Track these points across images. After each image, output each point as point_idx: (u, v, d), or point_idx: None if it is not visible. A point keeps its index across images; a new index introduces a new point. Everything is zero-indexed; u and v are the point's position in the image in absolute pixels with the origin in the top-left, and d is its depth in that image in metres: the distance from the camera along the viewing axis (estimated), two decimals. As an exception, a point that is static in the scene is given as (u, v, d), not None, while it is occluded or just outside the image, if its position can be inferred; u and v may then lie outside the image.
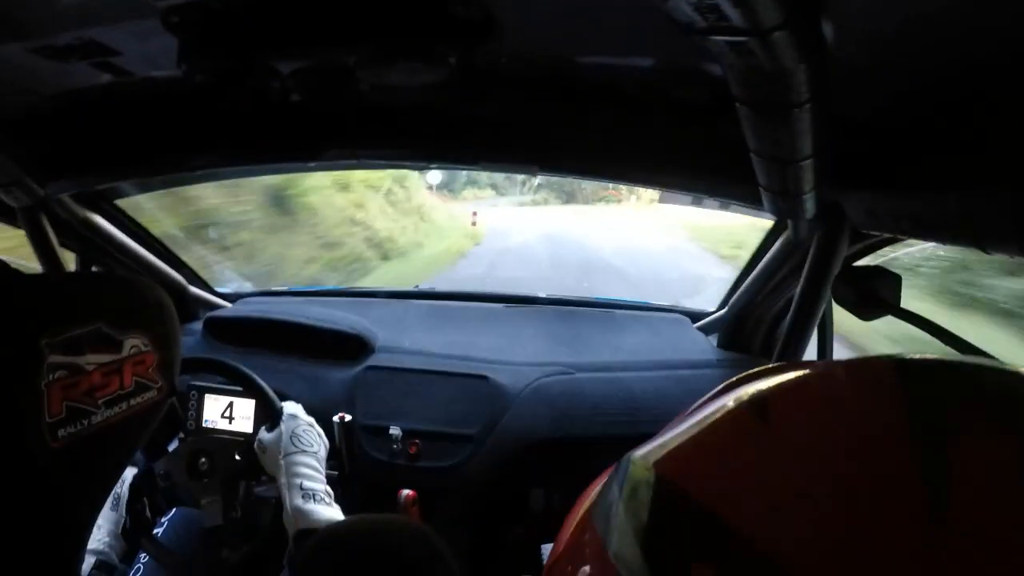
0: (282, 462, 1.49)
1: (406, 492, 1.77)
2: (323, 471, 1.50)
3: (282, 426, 1.56)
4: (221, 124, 1.56)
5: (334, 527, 1.13)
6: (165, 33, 1.11)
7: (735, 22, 0.67)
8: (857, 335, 4.51)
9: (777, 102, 0.87)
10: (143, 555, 1.73)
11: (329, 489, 1.46)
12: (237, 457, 1.70)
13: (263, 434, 1.59)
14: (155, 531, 1.78)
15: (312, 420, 1.61)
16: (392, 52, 1.11)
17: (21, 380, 0.63)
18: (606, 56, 1.26)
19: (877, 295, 1.03)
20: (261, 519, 1.76)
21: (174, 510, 1.87)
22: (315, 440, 1.56)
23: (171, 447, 1.75)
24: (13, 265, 0.78)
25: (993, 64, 0.76)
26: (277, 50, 1.15)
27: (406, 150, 1.56)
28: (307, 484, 1.44)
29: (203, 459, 1.71)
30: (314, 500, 1.39)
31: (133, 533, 1.72)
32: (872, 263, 1.32)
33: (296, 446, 1.52)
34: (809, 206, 1.21)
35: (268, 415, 1.66)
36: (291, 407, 1.63)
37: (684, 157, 1.38)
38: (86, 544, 0.82)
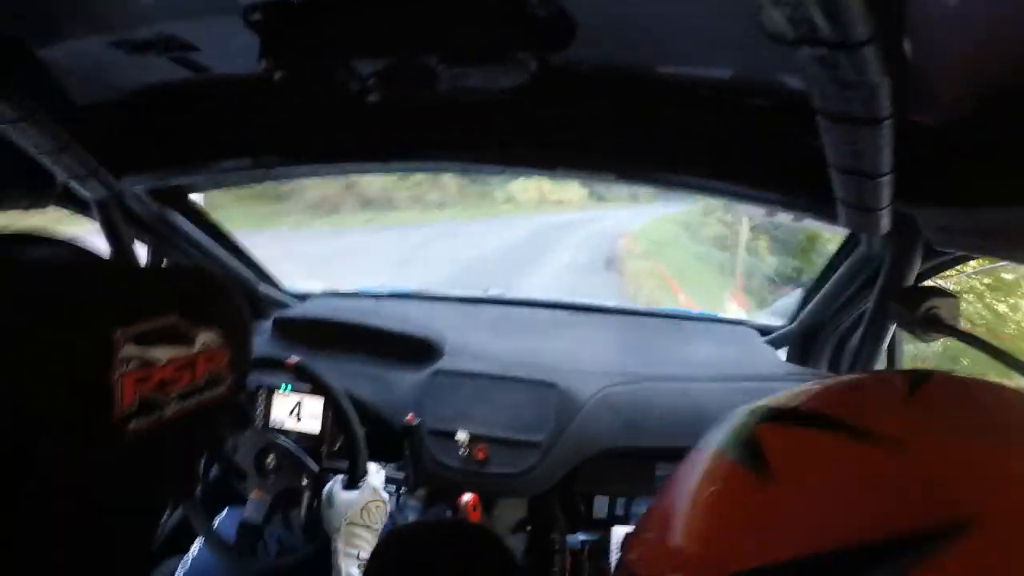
0: (344, 528, 1.54)
1: (468, 496, 1.79)
2: None
3: (358, 494, 1.59)
4: (298, 123, 1.59)
5: (402, 528, 1.15)
6: (245, 30, 1.14)
7: (825, 35, 0.69)
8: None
9: (859, 116, 0.88)
10: (193, 548, 1.78)
11: None
12: (304, 482, 1.75)
13: (338, 489, 1.63)
14: (214, 521, 1.85)
15: (387, 497, 1.64)
16: (472, 54, 1.13)
17: (94, 371, 0.63)
18: (685, 66, 1.27)
19: (936, 316, 1.02)
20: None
21: (227, 509, 1.93)
22: (383, 518, 1.60)
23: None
24: (91, 252, 0.80)
25: None
26: (356, 50, 1.17)
27: (483, 154, 1.58)
28: (364, 555, 1.50)
29: (271, 457, 1.75)
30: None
31: (189, 524, 1.78)
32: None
33: (363, 520, 1.56)
34: (884, 221, 1.21)
35: (352, 470, 1.71)
36: (375, 478, 1.66)
37: (760, 169, 1.38)
38: (156, 536, 0.82)
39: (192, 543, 1.82)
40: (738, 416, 0.58)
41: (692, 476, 0.56)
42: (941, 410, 0.50)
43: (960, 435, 0.47)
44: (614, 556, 1.35)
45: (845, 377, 0.61)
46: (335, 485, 1.63)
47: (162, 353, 0.70)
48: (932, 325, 1.02)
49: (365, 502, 1.57)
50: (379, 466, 1.70)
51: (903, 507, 0.43)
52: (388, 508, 1.63)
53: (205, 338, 0.76)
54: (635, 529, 0.64)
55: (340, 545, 1.51)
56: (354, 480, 1.64)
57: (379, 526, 1.57)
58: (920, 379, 0.52)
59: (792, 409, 0.54)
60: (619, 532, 1.27)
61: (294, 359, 1.78)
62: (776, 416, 0.55)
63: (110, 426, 0.64)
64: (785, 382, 2.03)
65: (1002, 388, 0.52)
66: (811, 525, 0.45)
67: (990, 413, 0.50)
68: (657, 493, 0.62)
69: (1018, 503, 0.41)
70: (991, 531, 0.40)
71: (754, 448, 0.52)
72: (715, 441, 0.57)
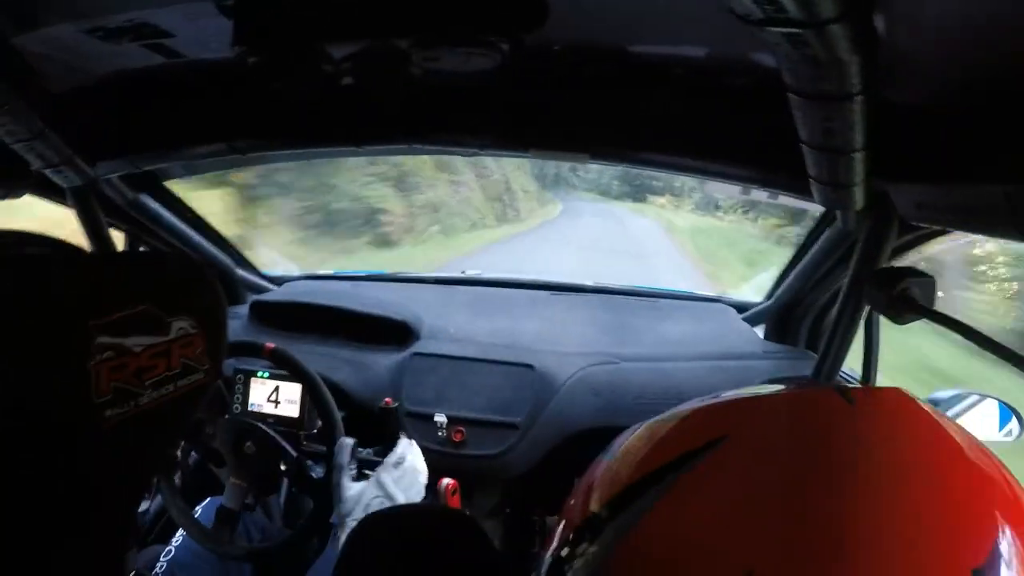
0: (347, 523, 1.53)
1: (447, 481, 1.80)
2: None
3: (363, 487, 1.59)
4: (272, 108, 1.58)
5: (379, 514, 1.15)
6: (219, 15, 1.13)
7: (792, 14, 0.68)
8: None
9: (830, 93, 0.88)
10: (176, 537, 1.78)
11: None
12: (283, 467, 1.74)
13: (347, 482, 1.61)
14: (195, 509, 1.84)
15: (395, 495, 1.61)
16: (444, 37, 1.12)
17: (69, 360, 0.63)
18: (658, 45, 1.26)
19: (910, 297, 1.02)
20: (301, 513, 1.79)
21: (208, 499, 1.92)
22: None
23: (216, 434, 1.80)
24: (65, 243, 0.80)
25: None
26: (330, 34, 1.16)
27: (457, 136, 1.57)
28: None
29: (249, 443, 1.75)
30: None
31: (169, 513, 1.78)
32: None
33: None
34: (858, 197, 1.21)
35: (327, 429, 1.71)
36: (386, 473, 1.64)
37: (734, 146, 1.38)
38: (134, 524, 0.82)
39: (175, 531, 1.81)
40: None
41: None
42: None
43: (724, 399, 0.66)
44: None
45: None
46: (344, 478, 1.61)
47: (137, 342, 0.70)
48: (906, 306, 1.01)
49: (370, 498, 1.57)
50: (401, 455, 1.69)
51: (675, 443, 0.61)
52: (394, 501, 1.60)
53: (180, 325, 0.76)
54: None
55: (341, 535, 1.50)
56: (330, 448, 1.66)
57: None
58: None
59: None
60: None
61: (270, 344, 1.77)
62: None
63: (87, 415, 0.65)
64: (762, 360, 2.05)
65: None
66: (631, 469, 0.63)
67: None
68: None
69: (757, 421, 0.59)
70: (735, 441, 0.56)
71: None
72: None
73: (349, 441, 1.68)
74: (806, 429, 0.57)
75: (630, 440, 0.70)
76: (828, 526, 0.49)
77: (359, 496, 1.57)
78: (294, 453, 1.75)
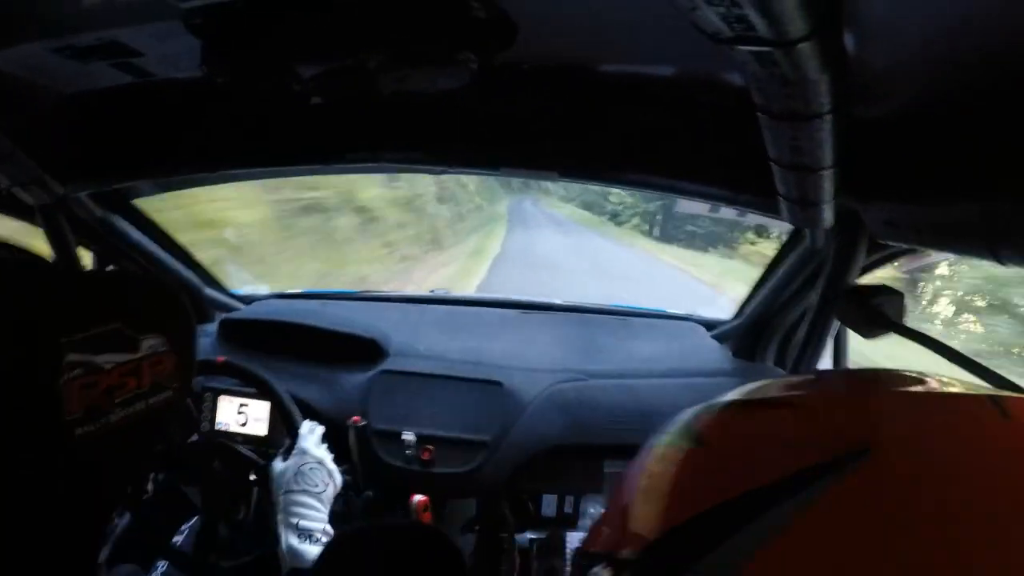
0: (281, 499, 1.48)
1: (419, 498, 1.78)
2: (326, 510, 1.49)
3: (290, 460, 1.55)
4: (241, 126, 1.57)
5: (348, 531, 1.14)
6: (187, 34, 1.12)
7: (761, 33, 0.68)
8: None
9: (799, 111, 0.88)
10: (161, 563, 1.74)
11: (329, 529, 1.44)
12: (252, 477, 1.71)
13: (276, 463, 1.58)
14: (175, 539, 1.80)
15: (323, 456, 1.59)
16: (413, 56, 1.12)
17: (39, 378, 0.63)
18: (627, 63, 1.27)
19: (880, 313, 1.03)
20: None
21: (195, 518, 1.88)
22: (322, 480, 1.53)
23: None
24: (38, 257, 0.79)
25: (1017, 71, 0.76)
26: (297, 53, 1.15)
27: (427, 154, 1.56)
28: (304, 524, 1.42)
29: (217, 461, 1.72)
30: (310, 540, 1.39)
31: (151, 540, 1.74)
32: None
33: (299, 484, 1.50)
34: (827, 215, 1.22)
35: (288, 431, 1.68)
36: (306, 440, 1.61)
37: (703, 164, 1.38)
38: (102, 543, 0.82)
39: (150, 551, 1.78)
40: (689, 413, 0.62)
41: (645, 464, 0.61)
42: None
43: (850, 392, 0.59)
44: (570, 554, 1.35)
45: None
46: (275, 463, 1.58)
47: (107, 359, 0.70)
48: (877, 323, 1.02)
49: (297, 467, 1.52)
50: (312, 424, 1.66)
51: (808, 447, 0.50)
52: (330, 467, 1.57)
53: (150, 343, 0.76)
54: (595, 522, 0.66)
55: (280, 516, 1.45)
56: (288, 448, 1.61)
57: (319, 489, 1.51)
58: None
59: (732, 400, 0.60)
60: (574, 537, 1.26)
61: (221, 357, 1.76)
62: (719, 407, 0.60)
63: (57, 432, 0.65)
64: (731, 377, 2.06)
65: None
66: (733, 474, 0.52)
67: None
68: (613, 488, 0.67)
69: (904, 432, 0.49)
70: (884, 455, 0.47)
71: (696, 432, 0.58)
72: (665, 434, 0.62)
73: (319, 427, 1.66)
74: (963, 445, 0.48)
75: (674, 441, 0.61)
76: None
77: (285, 469, 1.54)
78: (261, 461, 1.72)
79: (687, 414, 0.61)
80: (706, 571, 0.48)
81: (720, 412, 0.59)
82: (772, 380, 0.63)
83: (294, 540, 1.39)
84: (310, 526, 1.41)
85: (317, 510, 1.47)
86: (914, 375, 0.56)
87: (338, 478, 1.58)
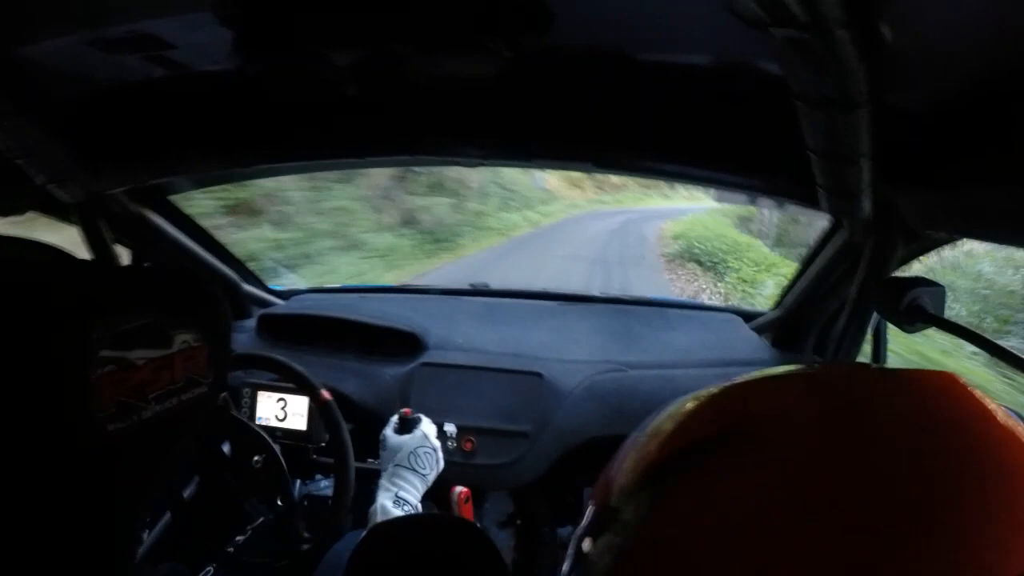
0: (391, 468, 1.56)
1: (459, 489, 1.78)
2: (422, 491, 1.57)
3: (409, 438, 1.61)
4: (275, 119, 1.57)
5: (387, 523, 1.15)
6: (220, 25, 1.12)
7: (799, 17, 0.68)
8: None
9: (837, 100, 0.87)
10: (209, 567, 1.77)
11: (420, 507, 1.52)
12: (280, 503, 1.75)
13: (391, 433, 1.64)
14: (237, 538, 1.82)
15: (438, 445, 1.65)
16: (446, 41, 1.12)
17: (71, 373, 0.63)
18: (663, 51, 1.26)
19: (919, 306, 1.01)
20: (315, 517, 1.78)
21: (251, 527, 1.90)
22: (432, 464, 1.61)
23: (225, 446, 1.79)
24: (68, 253, 0.79)
25: None
26: (331, 42, 1.16)
27: (461, 147, 1.57)
28: (403, 494, 1.50)
29: (257, 457, 1.74)
30: (402, 508, 1.47)
31: (198, 541, 1.77)
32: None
33: (411, 463, 1.57)
34: (865, 206, 1.20)
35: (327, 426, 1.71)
36: (427, 426, 1.67)
37: (741, 155, 1.37)
38: (138, 541, 0.81)
39: (191, 550, 1.80)
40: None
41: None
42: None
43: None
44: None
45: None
46: (388, 429, 1.65)
47: (140, 355, 0.69)
48: (915, 315, 1.01)
49: (415, 447, 1.59)
50: (428, 419, 1.70)
51: (702, 423, 0.57)
52: (439, 456, 1.64)
53: (183, 338, 0.76)
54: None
55: (383, 480, 1.54)
56: (406, 426, 1.66)
57: (427, 472, 1.58)
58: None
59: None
60: None
61: (326, 394, 1.75)
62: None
63: (90, 429, 0.64)
64: (770, 367, 2.03)
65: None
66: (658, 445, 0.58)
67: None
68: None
69: (777, 415, 0.51)
70: (750, 436, 0.50)
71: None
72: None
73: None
74: (840, 404, 0.51)
75: (652, 424, 0.66)
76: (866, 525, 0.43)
77: (402, 445, 1.60)
78: (292, 497, 1.76)
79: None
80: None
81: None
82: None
83: (389, 503, 1.47)
84: (408, 497, 1.50)
85: (418, 489, 1.55)
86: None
87: (441, 465, 1.64)
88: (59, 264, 0.75)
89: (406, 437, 1.61)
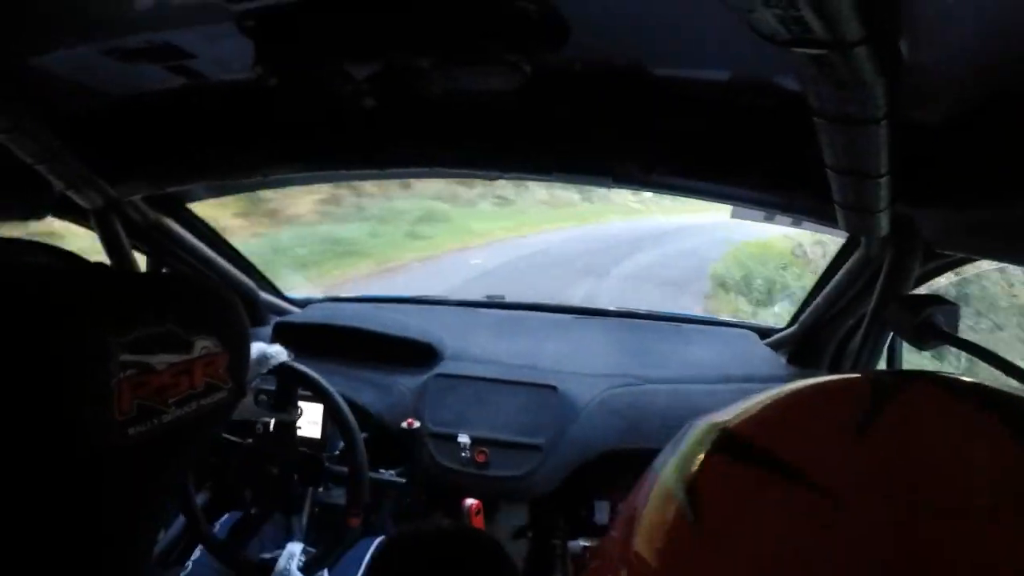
0: None
1: (471, 501, 1.78)
2: None
3: None
4: (293, 129, 1.58)
5: (403, 534, 1.14)
6: (239, 36, 1.14)
7: (819, 35, 0.68)
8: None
9: (855, 116, 0.87)
10: (195, 554, 1.77)
11: None
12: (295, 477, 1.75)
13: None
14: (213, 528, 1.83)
15: None
16: (464, 55, 1.13)
17: (92, 377, 0.64)
18: (681, 67, 1.26)
19: (932, 324, 1.01)
20: (327, 525, 1.78)
21: (227, 515, 1.92)
22: None
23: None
24: (87, 260, 0.80)
25: None
26: (350, 54, 1.17)
27: (479, 159, 1.57)
28: None
29: (273, 468, 1.74)
30: None
31: (190, 531, 1.77)
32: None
33: None
34: (883, 223, 1.20)
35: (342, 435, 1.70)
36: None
37: (759, 171, 1.37)
38: (155, 541, 0.82)
39: (192, 551, 1.81)
40: (692, 437, 0.59)
41: (644, 508, 0.56)
42: (890, 458, 0.45)
43: (906, 501, 0.43)
44: None
45: (808, 385, 0.59)
46: (291, 564, 1.61)
47: (160, 360, 0.70)
48: (930, 333, 1.00)
49: None
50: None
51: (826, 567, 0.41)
52: None
53: (203, 344, 0.76)
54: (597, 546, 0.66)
55: None
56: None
57: None
58: (880, 403, 0.48)
59: (736, 436, 0.53)
60: None
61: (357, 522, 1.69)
62: (724, 445, 0.53)
63: (110, 432, 0.65)
64: (786, 384, 2.02)
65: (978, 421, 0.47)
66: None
67: (949, 469, 0.45)
68: (616, 514, 0.64)
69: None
70: None
71: (695, 489, 0.51)
72: (667, 470, 0.57)
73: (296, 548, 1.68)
74: None
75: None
76: None
77: None
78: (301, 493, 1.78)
79: (690, 439, 0.60)
80: None
81: (724, 463, 0.54)
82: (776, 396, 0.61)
83: None
84: None
85: None
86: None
87: None
88: (78, 272, 0.76)
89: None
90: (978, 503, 0.41)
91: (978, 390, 0.48)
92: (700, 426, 0.59)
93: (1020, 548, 0.38)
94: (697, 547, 0.47)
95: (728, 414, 0.57)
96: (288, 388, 1.72)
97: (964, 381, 0.50)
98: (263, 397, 1.70)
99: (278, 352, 1.65)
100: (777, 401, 0.57)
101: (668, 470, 0.57)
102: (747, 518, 0.47)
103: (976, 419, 0.46)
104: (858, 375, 0.55)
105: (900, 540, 0.40)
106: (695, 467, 0.53)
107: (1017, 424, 0.43)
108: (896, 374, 0.55)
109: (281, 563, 1.61)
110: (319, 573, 1.64)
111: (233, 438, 1.74)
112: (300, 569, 1.60)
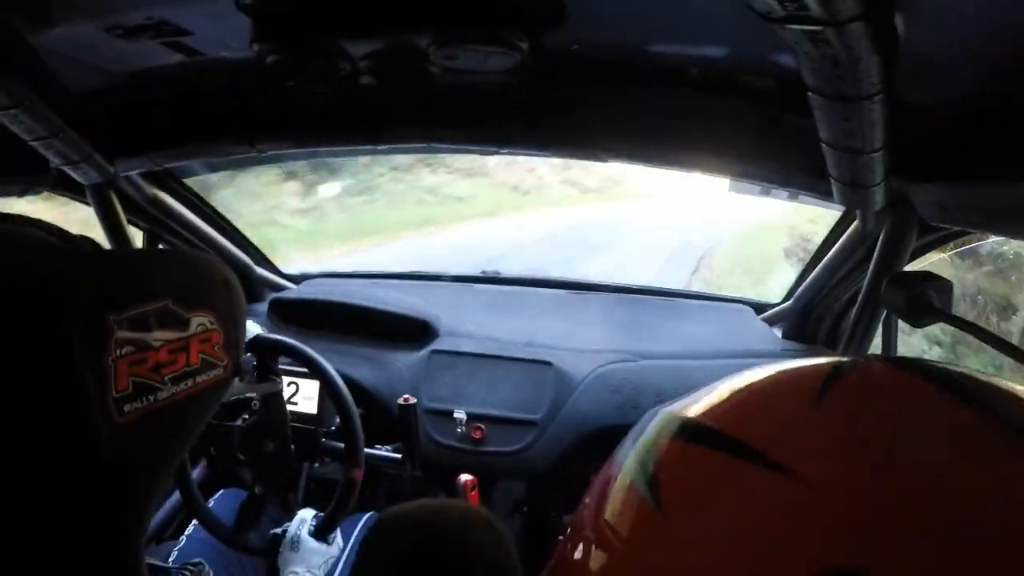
0: (301, 572, 1.56)
1: (465, 477, 1.79)
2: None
3: (325, 548, 1.63)
4: (290, 106, 1.59)
5: (396, 510, 1.15)
6: (237, 14, 1.14)
7: (813, 11, 0.68)
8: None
9: (850, 92, 0.88)
10: (188, 529, 1.79)
11: None
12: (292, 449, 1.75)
13: (306, 536, 1.64)
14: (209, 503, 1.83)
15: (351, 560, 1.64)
16: (462, 34, 1.13)
17: (88, 354, 0.64)
18: (677, 44, 1.26)
19: (926, 300, 1.02)
20: (322, 500, 1.79)
21: (222, 491, 1.92)
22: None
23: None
24: (83, 238, 0.79)
25: None
26: (348, 32, 1.17)
27: (476, 135, 1.57)
28: None
29: (270, 444, 1.75)
30: None
31: (186, 507, 1.78)
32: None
33: None
34: (878, 197, 1.21)
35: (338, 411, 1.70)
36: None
37: (754, 146, 1.37)
38: (150, 519, 0.82)
39: (186, 527, 1.82)
40: (652, 428, 0.62)
41: (605, 501, 0.60)
42: (842, 423, 0.49)
43: (857, 464, 0.46)
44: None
45: (766, 372, 0.64)
46: (303, 530, 1.63)
47: (156, 336, 0.70)
48: (923, 310, 1.01)
49: (327, 559, 1.61)
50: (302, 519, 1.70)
51: (792, 548, 0.43)
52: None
53: (199, 320, 0.77)
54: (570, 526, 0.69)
55: None
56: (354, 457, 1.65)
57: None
58: (833, 380, 0.53)
59: (696, 423, 0.57)
60: None
61: (358, 473, 1.70)
62: (683, 433, 0.57)
63: (106, 409, 0.65)
64: (781, 359, 2.03)
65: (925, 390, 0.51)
66: (701, 565, 0.46)
67: (896, 431, 0.47)
68: (581, 502, 0.69)
69: (911, 559, 0.40)
70: None
71: (656, 479, 0.54)
72: (628, 462, 0.61)
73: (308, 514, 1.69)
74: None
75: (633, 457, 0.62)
76: None
77: (315, 551, 1.61)
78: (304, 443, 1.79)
79: (651, 429, 0.63)
80: None
81: (685, 449, 0.57)
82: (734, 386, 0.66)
83: None
84: None
85: None
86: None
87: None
88: (74, 249, 0.75)
89: (322, 547, 1.62)
90: (926, 458, 0.44)
91: (920, 365, 0.53)
92: (660, 416, 0.62)
93: (969, 494, 0.42)
94: (662, 534, 0.50)
95: (687, 403, 0.61)
96: (265, 359, 1.71)
97: (910, 359, 0.55)
98: (244, 373, 1.70)
99: (250, 327, 1.65)
100: (735, 389, 0.61)
101: (630, 462, 0.59)
102: (709, 502, 0.49)
103: (918, 388, 0.50)
104: (816, 361, 0.60)
105: (857, 497, 0.43)
106: (656, 457, 0.56)
107: (953, 389, 0.48)
108: (854, 359, 0.57)
109: (292, 530, 1.63)
110: (332, 534, 1.65)
111: (226, 423, 1.74)
112: (311, 535, 1.62)
